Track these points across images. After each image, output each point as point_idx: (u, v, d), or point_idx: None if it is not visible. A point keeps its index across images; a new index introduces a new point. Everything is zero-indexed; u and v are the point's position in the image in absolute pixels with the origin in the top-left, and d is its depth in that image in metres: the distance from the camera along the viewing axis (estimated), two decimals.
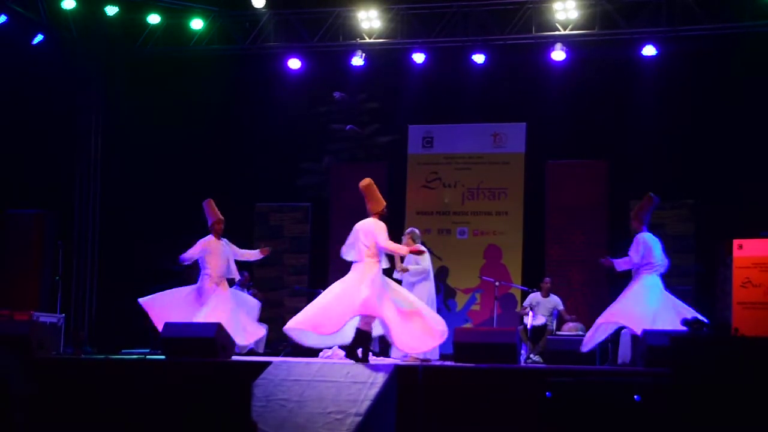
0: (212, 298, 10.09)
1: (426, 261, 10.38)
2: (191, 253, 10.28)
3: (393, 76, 14.26)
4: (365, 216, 8.87)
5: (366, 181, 8.95)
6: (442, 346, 9.70)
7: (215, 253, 10.33)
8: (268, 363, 8.03)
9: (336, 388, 7.49)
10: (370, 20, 13.25)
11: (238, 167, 14.78)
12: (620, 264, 9.83)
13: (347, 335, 8.56)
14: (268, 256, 10.89)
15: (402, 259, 10.18)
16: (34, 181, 13.80)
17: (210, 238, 10.39)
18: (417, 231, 10.64)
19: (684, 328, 8.08)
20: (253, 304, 10.73)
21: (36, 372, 8.03)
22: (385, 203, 8.92)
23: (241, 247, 10.69)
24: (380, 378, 7.50)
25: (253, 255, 10.78)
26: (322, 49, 13.69)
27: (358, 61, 13.39)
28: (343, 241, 8.89)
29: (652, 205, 9.79)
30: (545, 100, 13.81)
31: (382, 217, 8.83)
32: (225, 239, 10.49)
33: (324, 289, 9.06)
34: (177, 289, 10.38)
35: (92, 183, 14.22)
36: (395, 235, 10.25)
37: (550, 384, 6.37)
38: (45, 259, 13.51)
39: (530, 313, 11.87)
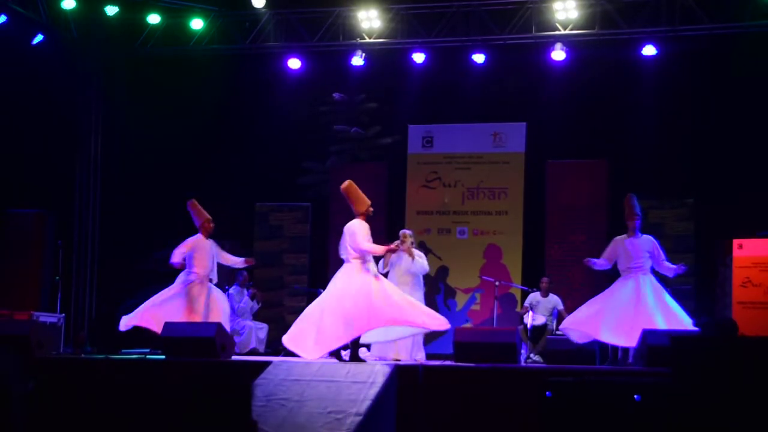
0: (200, 297, 10.02)
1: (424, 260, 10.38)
2: (180, 252, 10.11)
3: (393, 76, 14.25)
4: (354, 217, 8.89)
5: (345, 184, 8.93)
6: (442, 346, 9.70)
7: (204, 251, 10.21)
8: (268, 363, 8.02)
9: (336, 388, 7.48)
10: (370, 20, 13.24)
11: (238, 167, 14.78)
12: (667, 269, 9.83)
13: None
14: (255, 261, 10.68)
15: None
16: (34, 181, 13.77)
17: (199, 237, 10.28)
18: (408, 232, 10.48)
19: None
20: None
21: (36, 372, 8.03)
22: (369, 202, 8.92)
23: (242, 246, 10.61)
24: (380, 378, 7.49)
25: (237, 262, 10.65)
26: (322, 49, 13.69)
27: (358, 61, 13.39)
28: None
29: (634, 201, 9.85)
30: (545, 100, 13.82)
31: (368, 217, 8.86)
32: (212, 240, 10.41)
33: (324, 289, 9.06)
34: (157, 295, 10.09)
35: (92, 183, 14.21)
36: (395, 235, 10.28)
37: (550, 384, 6.36)
38: (45, 259, 13.48)
39: (530, 313, 11.87)
